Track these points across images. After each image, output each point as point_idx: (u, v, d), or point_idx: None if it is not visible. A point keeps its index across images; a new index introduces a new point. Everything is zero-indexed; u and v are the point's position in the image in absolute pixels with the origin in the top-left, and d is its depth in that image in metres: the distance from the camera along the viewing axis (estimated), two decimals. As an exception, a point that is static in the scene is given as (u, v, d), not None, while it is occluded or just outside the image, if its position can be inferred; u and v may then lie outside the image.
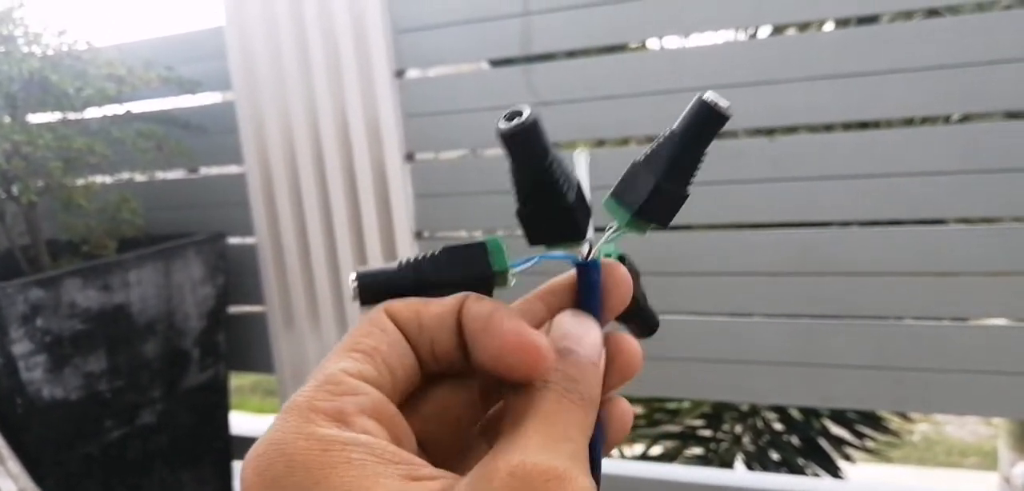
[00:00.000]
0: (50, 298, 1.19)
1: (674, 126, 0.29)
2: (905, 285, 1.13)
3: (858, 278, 1.15)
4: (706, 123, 0.28)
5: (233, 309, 1.53)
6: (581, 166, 0.30)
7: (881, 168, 1.11)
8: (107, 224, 1.35)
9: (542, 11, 1.23)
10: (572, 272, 0.30)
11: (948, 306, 1.12)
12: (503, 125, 0.26)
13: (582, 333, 0.29)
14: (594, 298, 0.30)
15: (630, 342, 0.31)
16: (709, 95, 0.28)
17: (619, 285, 0.30)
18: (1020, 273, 1.08)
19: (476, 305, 0.28)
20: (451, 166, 1.41)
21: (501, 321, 0.27)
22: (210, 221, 1.50)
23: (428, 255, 0.30)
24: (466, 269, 0.30)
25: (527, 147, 0.27)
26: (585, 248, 0.30)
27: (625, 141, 1.30)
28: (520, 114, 0.26)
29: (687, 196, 0.29)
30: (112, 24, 1.59)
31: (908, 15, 1.14)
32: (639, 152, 0.30)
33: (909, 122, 1.15)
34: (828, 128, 1.19)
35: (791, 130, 1.20)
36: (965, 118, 1.13)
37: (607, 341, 0.30)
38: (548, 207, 0.28)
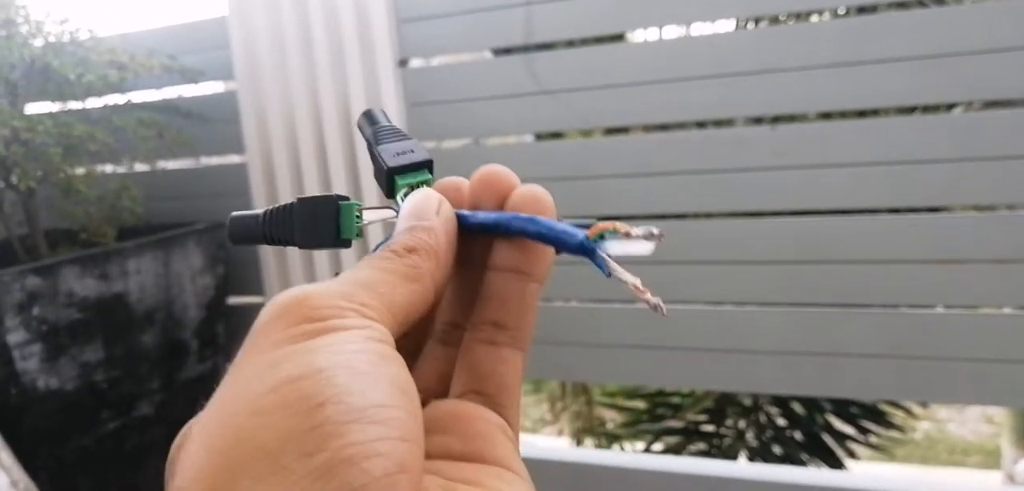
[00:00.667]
0: (47, 286, 1.18)
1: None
2: (907, 273, 1.13)
3: (860, 266, 1.15)
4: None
5: (232, 300, 1.52)
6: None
7: (882, 156, 1.11)
8: (107, 212, 1.35)
9: (544, 0, 1.22)
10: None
11: (951, 294, 1.12)
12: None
13: (412, 206, 0.30)
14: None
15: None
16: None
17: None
18: (1020, 260, 1.07)
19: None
20: (454, 155, 1.40)
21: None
22: (211, 211, 1.49)
23: (283, 207, 0.32)
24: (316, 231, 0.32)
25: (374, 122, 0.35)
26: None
27: (626, 129, 1.29)
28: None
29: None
30: (115, 12, 1.58)
31: (906, 5, 1.14)
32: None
33: (909, 110, 1.15)
34: (828, 116, 1.19)
35: (792, 118, 1.20)
36: (965, 106, 1.12)
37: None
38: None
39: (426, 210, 0.29)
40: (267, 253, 1.44)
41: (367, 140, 0.34)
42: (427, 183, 0.32)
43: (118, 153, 1.38)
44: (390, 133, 0.34)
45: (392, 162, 0.32)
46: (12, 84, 1.27)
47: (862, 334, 1.16)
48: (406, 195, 0.31)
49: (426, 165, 0.32)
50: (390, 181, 0.32)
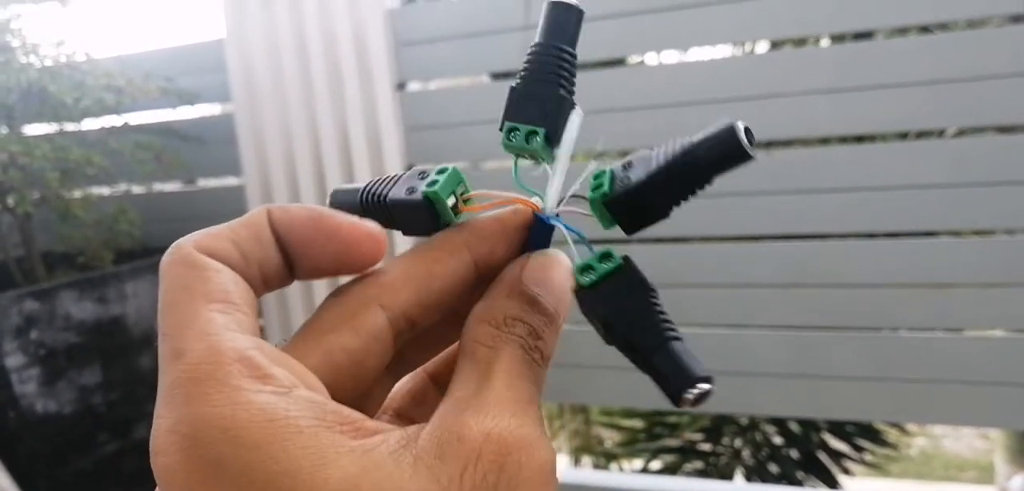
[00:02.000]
0: (45, 310, 1.18)
1: (695, 140, 0.25)
2: (901, 297, 1.14)
3: (855, 290, 1.16)
4: (727, 155, 0.25)
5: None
6: (573, 123, 0.28)
7: (877, 181, 1.12)
8: (104, 235, 1.35)
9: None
10: (506, 215, 0.28)
11: (944, 317, 1.13)
12: None
13: (554, 282, 0.26)
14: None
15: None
16: (740, 125, 0.25)
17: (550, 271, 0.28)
18: (1014, 284, 1.08)
19: (291, 212, 0.26)
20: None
21: (333, 217, 0.25)
22: (208, 233, 1.49)
23: (381, 194, 0.28)
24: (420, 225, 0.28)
25: (560, 25, 0.27)
26: (550, 200, 0.28)
27: (624, 153, 1.30)
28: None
29: (667, 216, 0.26)
30: (112, 36, 1.58)
31: (903, 31, 1.15)
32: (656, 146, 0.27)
33: (904, 136, 1.16)
34: (824, 142, 1.20)
35: (788, 144, 1.20)
36: (958, 132, 1.13)
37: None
38: (543, 87, 0.27)
39: (563, 301, 0.26)
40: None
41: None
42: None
43: (115, 176, 1.38)
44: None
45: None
46: (9, 108, 1.27)
47: (856, 356, 1.17)
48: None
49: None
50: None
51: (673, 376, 0.25)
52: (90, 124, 1.40)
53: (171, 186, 1.59)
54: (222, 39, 1.39)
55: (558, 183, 0.27)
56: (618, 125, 1.23)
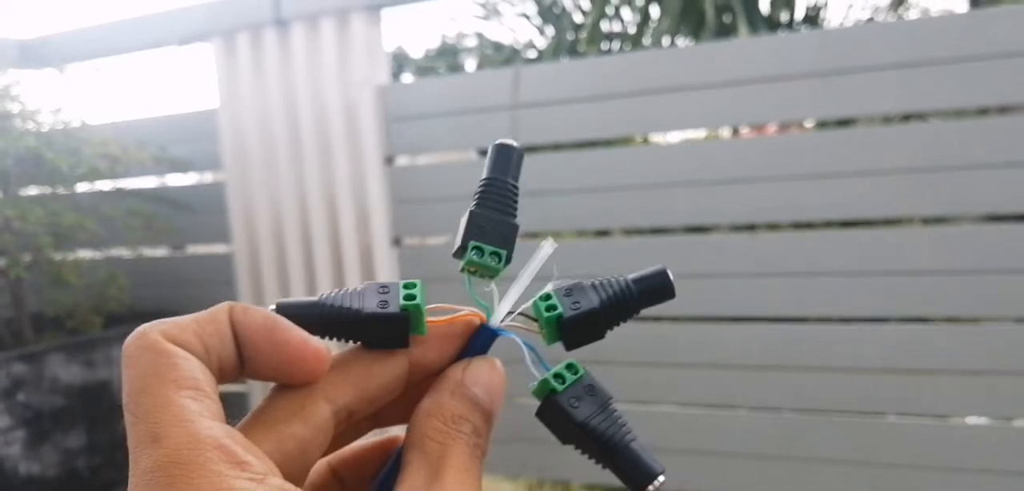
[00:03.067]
0: (32, 373, 1.19)
1: (631, 278, 0.30)
2: (884, 382, 1.14)
3: (838, 373, 1.16)
4: (659, 290, 0.30)
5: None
6: (543, 251, 0.31)
7: (860, 266, 1.13)
8: (94, 300, 1.36)
9: (530, 105, 1.25)
10: (458, 320, 0.30)
11: (927, 403, 1.13)
12: (503, 141, 0.31)
13: (494, 384, 0.29)
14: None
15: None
16: (668, 270, 0.30)
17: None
18: (997, 372, 1.09)
19: (250, 315, 0.27)
20: (437, 251, 1.42)
21: (286, 331, 0.27)
22: (196, 299, 1.49)
23: (348, 308, 0.29)
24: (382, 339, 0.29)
25: (508, 162, 0.30)
26: (499, 313, 0.30)
27: (606, 232, 1.31)
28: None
29: (602, 337, 0.30)
30: (108, 103, 1.61)
31: (885, 119, 1.17)
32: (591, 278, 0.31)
33: (889, 222, 1.17)
34: (808, 226, 1.21)
35: (772, 227, 1.22)
36: (940, 220, 1.15)
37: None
38: (500, 214, 0.30)
39: (497, 401, 0.29)
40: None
41: (481, 181, 0.31)
42: (494, 273, 0.30)
43: (106, 240, 1.39)
44: (498, 194, 0.31)
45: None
46: (4, 172, 1.29)
47: (839, 440, 1.17)
48: (468, 271, 0.30)
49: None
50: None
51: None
52: (82, 188, 1.41)
53: (160, 251, 1.61)
54: (215, 109, 1.42)
55: (513, 298, 0.30)
56: (603, 203, 1.24)
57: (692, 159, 1.21)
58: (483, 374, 0.29)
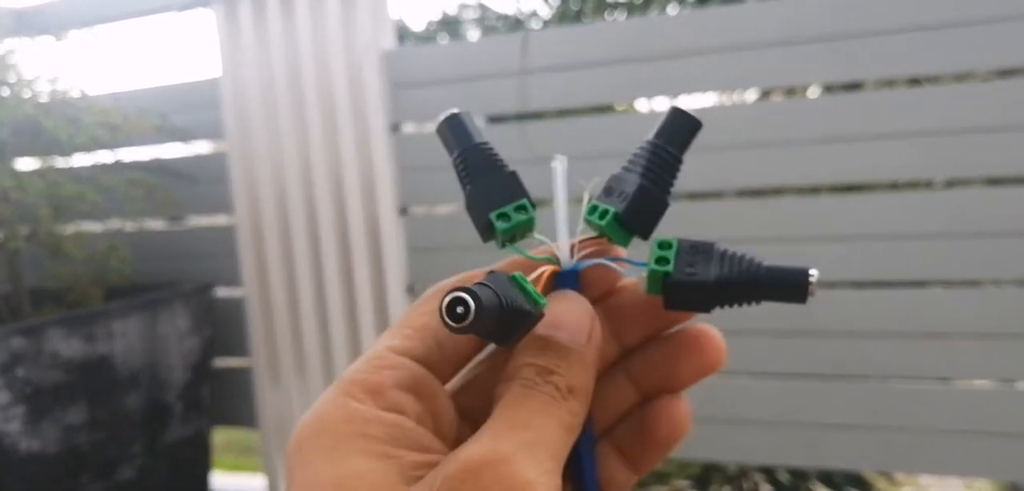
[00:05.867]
0: (32, 347, 1.16)
1: (650, 135, 0.30)
2: (892, 346, 1.15)
3: (846, 339, 1.16)
4: (680, 129, 0.29)
5: (219, 362, 1.50)
6: (559, 173, 0.30)
7: (868, 230, 1.14)
8: (94, 273, 1.34)
9: (539, 70, 1.24)
10: (542, 279, 0.29)
11: (934, 367, 1.14)
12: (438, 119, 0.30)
13: (564, 316, 0.28)
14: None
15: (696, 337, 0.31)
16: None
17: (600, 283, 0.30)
18: (1004, 335, 1.10)
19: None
20: (445, 220, 1.41)
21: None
22: (198, 272, 1.48)
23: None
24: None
25: (462, 130, 0.29)
26: (564, 252, 0.29)
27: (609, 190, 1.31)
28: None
29: (668, 205, 0.29)
30: (107, 71, 1.59)
31: (891, 83, 1.18)
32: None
33: (894, 186, 1.17)
34: (815, 190, 1.21)
35: (779, 192, 1.22)
36: (948, 183, 1.15)
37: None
38: (491, 175, 0.29)
39: (579, 330, 0.28)
40: (254, 315, 1.43)
41: (453, 162, 0.30)
42: (530, 223, 0.29)
43: (106, 212, 1.37)
44: (478, 159, 0.29)
45: (488, 206, 0.29)
46: (1, 142, 1.26)
47: (847, 405, 1.17)
48: (507, 241, 0.28)
49: (523, 196, 0.29)
50: (488, 226, 0.29)
51: (790, 284, 0.28)
52: (81, 159, 1.39)
53: (161, 223, 1.59)
54: (217, 77, 1.40)
55: (565, 230, 0.29)
56: (610, 171, 1.23)
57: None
58: (552, 313, 0.28)
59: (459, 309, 0.23)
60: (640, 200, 0.28)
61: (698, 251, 0.29)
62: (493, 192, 0.29)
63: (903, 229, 1.12)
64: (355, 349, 1.35)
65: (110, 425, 1.26)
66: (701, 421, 1.25)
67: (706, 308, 0.29)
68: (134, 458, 1.30)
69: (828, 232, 1.16)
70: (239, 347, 1.49)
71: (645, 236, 0.29)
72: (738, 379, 1.23)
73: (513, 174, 0.29)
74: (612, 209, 0.28)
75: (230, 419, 1.57)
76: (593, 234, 0.30)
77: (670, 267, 0.28)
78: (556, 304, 0.28)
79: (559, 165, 0.30)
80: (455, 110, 0.30)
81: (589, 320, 0.28)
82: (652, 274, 0.28)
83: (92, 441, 1.24)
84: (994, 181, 1.11)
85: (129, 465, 1.29)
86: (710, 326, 0.31)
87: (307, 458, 0.24)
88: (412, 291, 1.36)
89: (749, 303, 0.29)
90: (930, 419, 1.14)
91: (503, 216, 0.28)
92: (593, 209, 0.29)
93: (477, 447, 0.24)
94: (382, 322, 1.34)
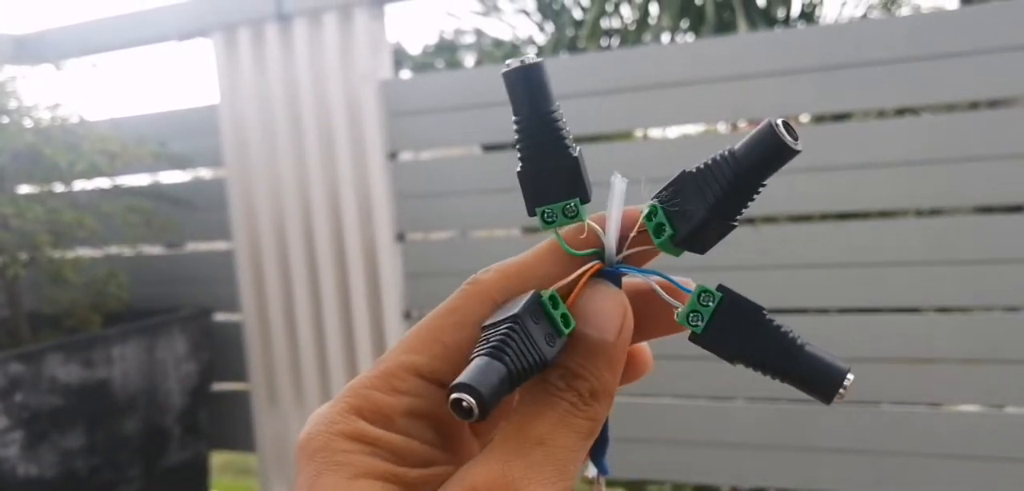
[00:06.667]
0: (30, 373, 1.17)
1: (736, 150, 0.25)
2: (882, 371, 1.16)
3: (837, 364, 1.18)
4: (770, 155, 0.24)
5: (217, 387, 1.51)
6: (616, 191, 0.28)
7: (857, 258, 1.15)
8: (93, 298, 1.35)
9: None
10: (582, 281, 0.27)
11: (924, 392, 1.15)
12: (509, 64, 0.26)
13: (594, 311, 0.26)
14: None
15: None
16: (779, 122, 0.24)
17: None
18: (992, 360, 1.11)
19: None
20: (442, 246, 1.42)
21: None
22: (196, 297, 1.49)
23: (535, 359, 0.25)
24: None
25: (532, 88, 0.26)
26: (610, 252, 0.27)
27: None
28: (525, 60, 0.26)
29: (734, 227, 0.26)
30: (107, 98, 1.59)
31: (880, 113, 1.20)
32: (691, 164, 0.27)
33: (884, 214, 1.19)
34: (806, 218, 1.23)
35: (770, 219, 1.24)
36: (936, 211, 1.18)
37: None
38: (551, 159, 0.26)
39: (609, 326, 0.26)
40: (252, 340, 1.44)
41: (515, 116, 0.27)
42: (580, 216, 0.27)
43: (105, 238, 1.38)
44: (541, 133, 0.27)
45: (537, 197, 0.27)
46: (1, 169, 1.27)
47: (839, 429, 1.19)
48: (549, 224, 0.27)
49: (578, 193, 0.27)
50: (532, 208, 0.27)
51: (822, 380, 0.26)
52: (81, 185, 1.40)
53: (159, 249, 1.59)
54: (215, 104, 1.41)
55: (614, 234, 0.27)
56: (603, 197, 1.25)
57: (692, 151, 1.23)
58: (591, 309, 0.26)
59: (464, 405, 0.22)
60: (702, 229, 0.26)
61: (742, 314, 0.27)
62: (548, 181, 0.27)
63: (892, 256, 1.14)
64: (352, 374, 1.36)
65: (108, 450, 1.27)
66: (688, 445, 1.27)
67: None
68: (132, 482, 1.30)
69: (819, 259, 1.17)
70: (237, 371, 1.50)
71: (701, 253, 0.27)
72: (731, 403, 1.25)
73: (574, 164, 0.27)
74: (669, 232, 0.26)
75: (228, 443, 1.57)
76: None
77: (700, 326, 0.27)
78: (588, 296, 0.26)
79: (617, 182, 0.28)
80: (532, 59, 0.27)
81: (621, 315, 0.26)
82: (663, 245, 0.27)
83: (90, 466, 1.25)
84: (982, 209, 1.13)
85: (126, 489, 1.30)
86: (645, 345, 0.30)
87: (312, 479, 0.24)
88: (409, 316, 1.37)
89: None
90: (919, 443, 1.15)
91: (549, 215, 0.27)
92: (651, 212, 0.27)
93: (484, 469, 0.23)
94: (379, 346, 1.35)
